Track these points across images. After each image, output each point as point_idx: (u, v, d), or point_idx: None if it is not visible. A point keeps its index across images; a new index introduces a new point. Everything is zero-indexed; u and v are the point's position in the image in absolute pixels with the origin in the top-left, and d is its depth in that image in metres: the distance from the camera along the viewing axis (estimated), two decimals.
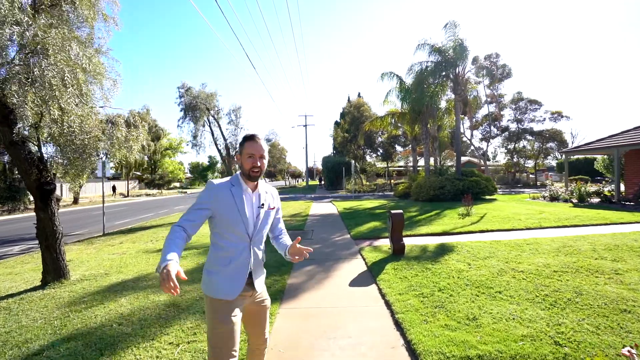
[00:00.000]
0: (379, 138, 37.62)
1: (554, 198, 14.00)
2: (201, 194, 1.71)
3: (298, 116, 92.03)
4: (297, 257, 1.81)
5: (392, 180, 39.12)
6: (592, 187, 16.46)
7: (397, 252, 5.67)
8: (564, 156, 15.37)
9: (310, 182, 61.91)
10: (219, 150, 14.66)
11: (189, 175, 74.59)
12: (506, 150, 39.48)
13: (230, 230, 1.70)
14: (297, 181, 73.31)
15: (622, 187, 15.27)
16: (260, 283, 1.83)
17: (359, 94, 39.63)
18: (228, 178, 1.80)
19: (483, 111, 35.12)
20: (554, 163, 51.99)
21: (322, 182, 38.21)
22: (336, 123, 44.30)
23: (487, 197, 16.92)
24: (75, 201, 25.38)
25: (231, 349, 1.65)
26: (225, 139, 14.53)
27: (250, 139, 1.74)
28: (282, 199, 23.78)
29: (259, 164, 1.71)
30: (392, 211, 5.73)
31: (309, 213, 13.31)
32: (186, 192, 42.31)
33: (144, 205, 22.58)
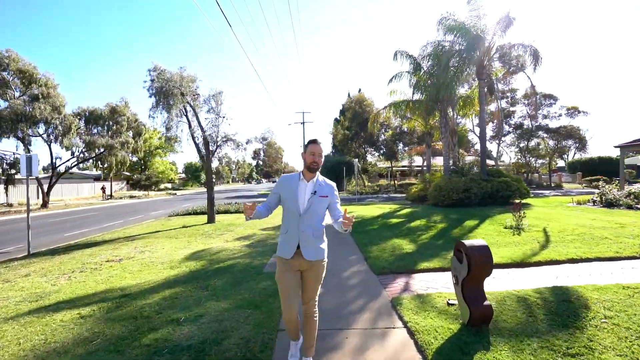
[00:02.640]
0: (382, 136, 34.94)
1: (611, 204, 11.30)
2: (276, 183, 2.51)
3: (295, 113, 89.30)
4: (346, 223, 2.20)
5: (395, 181, 36.43)
6: None
7: (478, 322, 2.93)
8: (619, 151, 12.73)
9: None
10: (196, 144, 11.91)
11: (182, 175, 71.57)
12: (518, 149, 36.86)
13: (288, 209, 2.40)
14: None
15: None
16: (308, 254, 2.33)
17: (360, 90, 37.02)
18: (295, 173, 2.51)
19: (491, 107, 32.55)
20: (561, 163, 49.56)
21: None
22: (336, 120, 41.55)
23: (519, 200, 14.21)
24: (44, 205, 22.47)
25: (288, 297, 2.32)
26: (203, 130, 11.75)
27: (314, 142, 2.44)
28: None
29: (316, 160, 2.37)
30: (468, 242, 2.98)
31: None
32: (175, 194, 39.44)
33: (119, 210, 19.76)
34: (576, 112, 33.07)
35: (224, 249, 6.86)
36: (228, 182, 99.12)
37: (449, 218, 9.88)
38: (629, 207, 10.81)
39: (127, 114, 25.82)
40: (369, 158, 40.64)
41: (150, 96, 11.71)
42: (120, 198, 31.45)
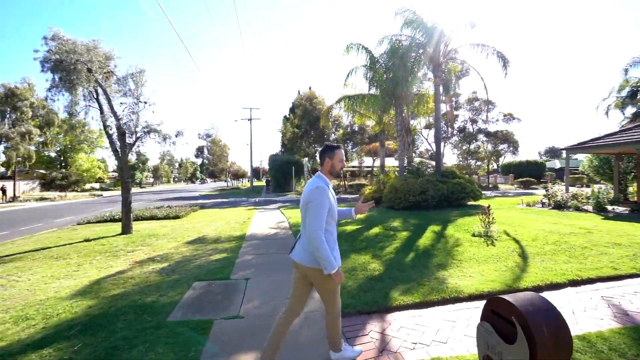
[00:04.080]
0: (333, 135, 34.09)
1: (559, 205, 11.26)
2: (323, 199, 2.22)
3: (242, 109, 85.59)
4: (363, 209, 2.59)
5: (345, 182, 35.85)
6: (581, 191, 14.34)
7: None
8: (564, 154, 12.94)
9: (256, 183, 56.65)
10: (109, 135, 9.47)
11: (115, 174, 64.15)
12: (460, 152, 38.57)
13: (333, 218, 2.32)
14: (241, 182, 67.23)
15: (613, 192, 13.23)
16: None
17: (310, 87, 35.74)
18: (319, 180, 2.34)
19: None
20: (495, 165, 53.48)
21: (269, 184, 33.49)
22: (285, 118, 39.84)
23: (472, 202, 13.93)
24: None
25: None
26: (117, 118, 9.37)
27: (339, 147, 2.44)
28: (218, 204, 18.13)
29: (345, 166, 2.71)
30: (518, 300, 1.64)
31: (246, 232, 8.81)
32: (101, 196, 34.57)
33: (16, 216, 15.95)
34: (511, 118, 35.32)
35: (123, 277, 4.91)
36: (168, 181, 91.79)
37: (409, 223, 8.86)
38: (577, 208, 10.84)
39: (32, 99, 21.34)
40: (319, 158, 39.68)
41: (43, 71, 9.07)
42: (27, 200, 26.34)
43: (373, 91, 14.59)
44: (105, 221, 12.06)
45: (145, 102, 9.83)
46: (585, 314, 3.32)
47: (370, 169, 37.05)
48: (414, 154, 32.97)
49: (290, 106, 40.23)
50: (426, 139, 34.20)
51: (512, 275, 4.34)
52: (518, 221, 8.80)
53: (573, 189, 13.61)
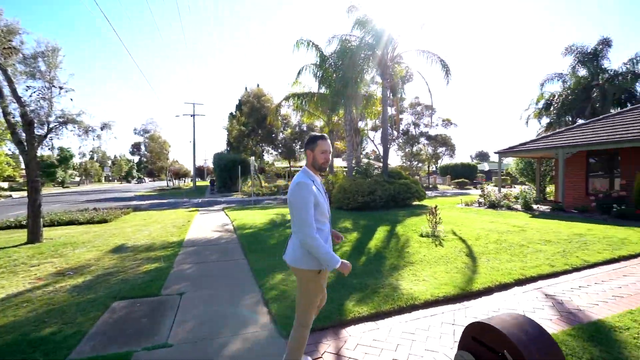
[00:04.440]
0: (281, 134, 33.46)
1: (494, 205, 12.09)
2: (305, 194, 2.00)
3: (184, 103, 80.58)
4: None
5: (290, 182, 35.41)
6: (509, 191, 15.66)
7: None
8: (497, 156, 13.94)
9: (200, 183, 53.61)
10: (10, 124, 7.86)
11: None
12: (403, 153, 40.48)
13: (324, 216, 2.15)
14: (184, 181, 63.24)
15: (535, 193, 14.66)
16: None
17: (258, 85, 34.61)
18: (302, 175, 2.12)
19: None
20: (434, 167, 57.26)
21: (214, 183, 31.79)
22: (231, 115, 38.16)
23: (417, 202, 14.43)
24: None
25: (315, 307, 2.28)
26: (22, 104, 7.84)
27: (323, 137, 2.17)
28: (155, 206, 16.52)
29: (329, 159, 2.17)
30: (502, 324, 1.38)
31: (184, 237, 7.95)
32: (10, 197, 29.88)
33: None
34: (449, 123, 37.96)
35: (17, 300, 3.93)
36: (99, 180, 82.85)
37: (358, 224, 8.74)
38: (509, 207, 11.73)
39: None
40: (267, 157, 38.71)
41: None
42: None
43: (323, 90, 14.40)
44: (9, 227, 10.18)
45: (61, 88, 8.42)
46: (535, 315, 3.31)
47: (329, 167, 36.99)
48: (361, 155, 33.75)
49: (237, 103, 38.68)
50: (372, 141, 35.17)
51: (463, 278, 4.30)
52: (460, 220, 9.16)
53: (504, 190, 14.78)
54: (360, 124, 24.92)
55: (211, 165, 43.52)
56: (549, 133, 14.23)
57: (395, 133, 36.99)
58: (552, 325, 3.09)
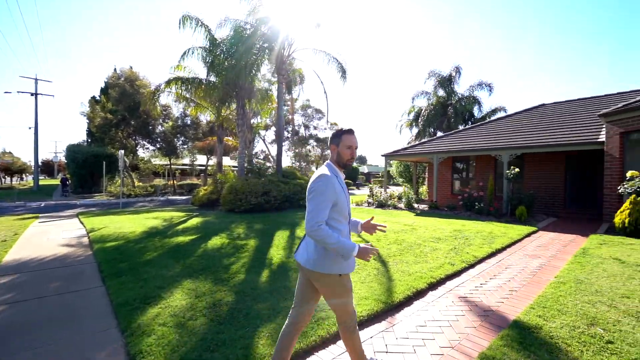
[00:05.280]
0: (160, 127, 29.25)
1: (382, 204, 12.84)
2: (324, 188, 1.84)
3: (20, 78, 63.27)
4: (371, 230, 2.17)
5: (175, 182, 31.59)
6: (393, 192, 17.12)
7: None
8: (374, 160, 14.95)
9: (46, 182, 42.76)
10: None
11: None
12: (293, 154, 40.95)
13: (343, 215, 1.97)
14: (20, 180, 49.38)
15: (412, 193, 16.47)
16: None
17: (132, 67, 29.34)
18: (326, 168, 1.98)
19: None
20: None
21: (67, 182, 25.49)
22: (94, 99, 31.43)
23: None
24: None
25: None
26: None
27: (349, 132, 2.00)
28: None
29: (355, 156, 2.00)
30: None
31: (3, 259, 5.51)
32: None
33: None
34: (336, 127, 40.22)
35: None
36: None
37: (254, 229, 7.79)
38: (395, 207, 12.65)
39: None
40: (142, 153, 33.40)
41: None
42: None
43: (213, 78, 12.80)
44: None
45: None
46: (460, 323, 3.10)
47: (204, 167, 34.06)
48: (253, 154, 32.42)
49: (103, 86, 32.15)
50: (263, 140, 34.33)
51: (381, 287, 3.91)
52: None
53: (389, 190, 16.04)
54: (254, 121, 23.79)
55: (65, 160, 34.93)
56: (424, 140, 16.13)
57: (286, 133, 37.06)
58: (482, 335, 2.90)
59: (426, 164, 17.57)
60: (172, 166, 33.00)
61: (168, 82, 12.36)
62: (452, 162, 13.66)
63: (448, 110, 26.82)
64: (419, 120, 29.19)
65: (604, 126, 9.34)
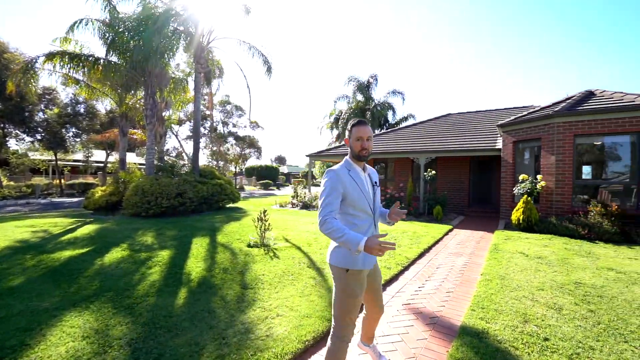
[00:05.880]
0: (42, 113, 24.08)
1: (306, 206, 12.58)
2: (327, 183, 1.88)
3: None
4: (395, 217, 2.03)
5: (62, 180, 26.53)
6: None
7: None
8: (308, 159, 14.67)
9: None
10: None
11: None
12: (210, 152, 38.26)
13: (359, 209, 1.92)
14: None
15: None
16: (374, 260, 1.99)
17: None
18: (341, 164, 1.99)
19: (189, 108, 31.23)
20: (238, 168, 58.03)
21: None
22: None
23: (232, 205, 13.27)
24: None
25: (356, 315, 1.94)
26: None
27: (357, 124, 1.96)
28: None
29: (366, 147, 1.93)
30: None
31: None
32: None
33: None
34: (256, 126, 38.95)
35: None
36: None
37: (167, 237, 6.68)
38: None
39: None
40: (14, 145, 27.11)
41: None
42: None
43: (115, 59, 10.80)
44: None
45: None
46: (411, 335, 2.87)
47: (102, 164, 29.39)
48: (164, 151, 29.12)
49: None
50: (176, 136, 31.24)
51: (322, 301, 3.50)
52: (283, 223, 8.72)
53: (314, 190, 15.91)
54: (166, 113, 21.27)
55: None
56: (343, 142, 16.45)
57: (203, 130, 34.39)
58: (436, 347, 2.70)
59: None
60: (58, 162, 27.55)
61: (50, 56, 9.88)
62: (374, 163, 14.20)
63: (366, 114, 28.19)
64: (339, 123, 30.09)
65: (500, 135, 10.69)
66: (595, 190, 8.03)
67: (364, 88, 29.12)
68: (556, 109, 8.48)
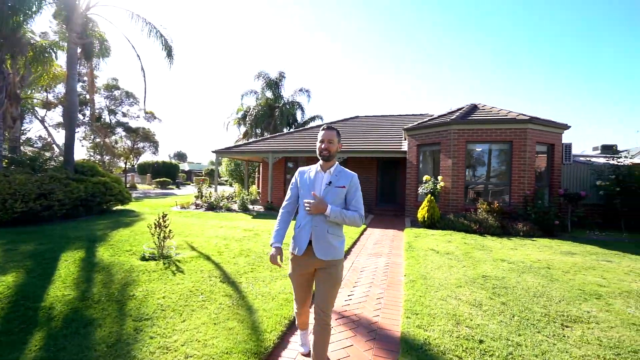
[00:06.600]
0: None
1: (212, 207, 11.36)
2: (292, 179, 2.32)
3: None
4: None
5: None
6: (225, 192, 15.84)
7: None
8: (215, 156, 13.26)
9: None
10: None
11: None
12: (92, 144, 32.16)
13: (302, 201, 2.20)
14: None
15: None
16: (320, 252, 2.08)
17: None
18: (314, 165, 2.30)
19: (60, 88, 25.45)
20: (129, 164, 50.72)
21: None
22: None
23: (121, 207, 11.15)
24: None
25: (299, 298, 2.33)
26: None
27: (324, 129, 2.21)
28: None
29: (326, 147, 2.15)
30: None
31: None
32: None
33: None
34: (153, 117, 34.52)
35: None
36: None
37: (16, 253, 4.96)
38: (228, 209, 11.44)
39: None
40: None
41: None
42: None
43: None
44: None
45: None
46: (354, 348, 2.48)
47: None
48: (21, 139, 23.01)
49: None
50: (42, 121, 25.18)
51: (243, 328, 2.83)
52: (187, 228, 7.56)
53: (220, 190, 14.60)
54: (24, 91, 16.72)
55: None
56: (258, 139, 15.62)
57: (83, 117, 28.65)
58: None
59: (257, 163, 17.23)
60: None
61: None
62: (285, 162, 13.79)
63: (275, 112, 27.65)
64: (247, 119, 28.85)
65: (405, 139, 11.48)
66: (484, 190, 9.22)
67: (274, 85, 28.52)
68: (452, 117, 9.44)
